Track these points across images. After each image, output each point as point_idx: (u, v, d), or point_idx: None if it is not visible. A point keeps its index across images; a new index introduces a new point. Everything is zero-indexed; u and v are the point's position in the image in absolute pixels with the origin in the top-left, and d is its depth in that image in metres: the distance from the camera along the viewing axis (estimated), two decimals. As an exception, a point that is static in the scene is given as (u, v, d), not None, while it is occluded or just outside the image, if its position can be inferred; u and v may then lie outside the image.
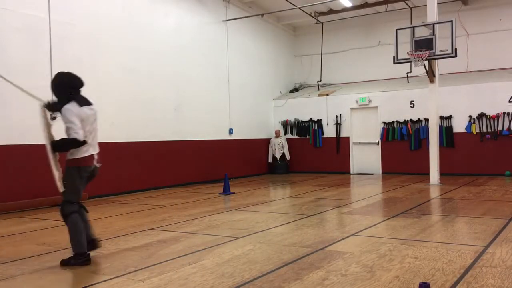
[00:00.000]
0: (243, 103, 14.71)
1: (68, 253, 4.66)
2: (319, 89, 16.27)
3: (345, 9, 15.30)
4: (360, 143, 14.98)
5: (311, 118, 15.61)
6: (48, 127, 4.54)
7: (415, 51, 10.59)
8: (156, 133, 11.45)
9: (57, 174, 4.42)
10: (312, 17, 15.80)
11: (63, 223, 4.60)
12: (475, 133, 13.09)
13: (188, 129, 12.46)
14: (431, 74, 11.03)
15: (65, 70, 4.72)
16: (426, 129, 13.07)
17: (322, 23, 16.42)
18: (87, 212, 4.77)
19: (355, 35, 16.27)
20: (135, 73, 10.86)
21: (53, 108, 4.56)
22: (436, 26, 10.70)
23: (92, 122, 4.58)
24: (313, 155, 15.56)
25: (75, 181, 4.49)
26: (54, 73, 9.16)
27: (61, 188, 4.45)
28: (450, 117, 13.39)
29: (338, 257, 4.44)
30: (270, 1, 14.85)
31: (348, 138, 15.07)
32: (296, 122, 15.88)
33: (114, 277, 4.04)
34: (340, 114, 15.13)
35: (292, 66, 17.46)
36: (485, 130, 12.96)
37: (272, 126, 16.19)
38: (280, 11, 15.20)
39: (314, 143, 15.53)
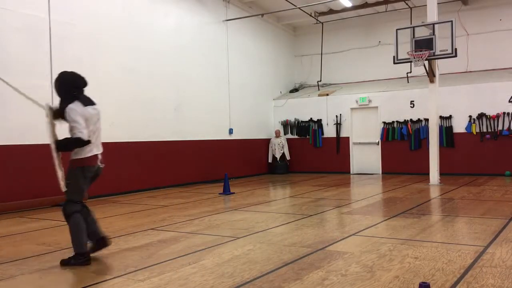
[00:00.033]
0: (243, 103, 14.71)
1: (68, 253, 4.67)
2: (319, 89, 16.27)
3: (345, 9, 15.30)
4: (360, 143, 14.98)
5: (311, 118, 15.61)
6: (52, 126, 4.52)
7: (415, 51, 10.59)
8: (156, 133, 11.45)
9: (60, 173, 4.42)
10: (312, 17, 15.80)
11: (63, 223, 4.61)
12: (475, 133, 13.09)
13: (188, 129, 12.46)
14: (431, 74, 11.03)
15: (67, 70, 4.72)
16: (426, 129, 13.07)
17: (322, 23, 16.42)
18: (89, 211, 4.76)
19: (355, 35, 16.27)
20: (135, 73, 10.86)
21: (58, 114, 4.53)
22: (436, 26, 10.70)
23: (96, 122, 4.58)
24: (313, 155, 15.56)
25: (78, 180, 4.49)
26: (54, 73, 9.18)
27: (63, 188, 4.44)
28: (450, 117, 13.39)
29: (338, 257, 4.44)
30: (270, 1, 14.85)
31: (348, 138, 15.07)
32: (296, 122, 15.88)
33: (114, 277, 4.04)
34: (340, 114, 15.13)
35: (292, 66, 17.46)
36: (485, 130, 12.96)
37: (272, 126, 16.19)
38: (280, 11, 15.20)
39: (314, 143, 15.53)
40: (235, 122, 14.28)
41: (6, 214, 7.91)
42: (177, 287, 3.70)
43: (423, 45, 10.58)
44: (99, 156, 4.64)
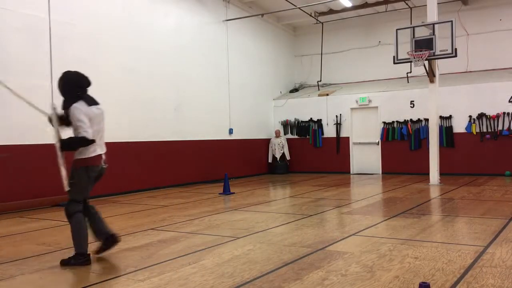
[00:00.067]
0: (243, 103, 14.71)
1: (68, 253, 4.67)
2: (319, 89, 16.27)
3: (345, 9, 15.30)
4: (360, 143, 14.98)
5: (311, 118, 15.61)
6: (57, 125, 4.50)
7: (415, 51, 10.59)
8: (156, 133, 11.45)
9: (64, 172, 4.41)
10: (312, 17, 15.80)
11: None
12: (475, 133, 13.09)
13: (188, 129, 12.46)
14: (431, 74, 11.03)
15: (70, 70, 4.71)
16: (426, 129, 13.07)
17: (322, 23, 16.42)
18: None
19: (355, 35, 16.27)
20: (135, 73, 10.86)
21: (63, 120, 4.52)
22: (436, 26, 10.70)
23: (99, 122, 4.58)
24: (313, 155, 15.56)
25: (82, 180, 4.48)
26: (54, 73, 9.21)
27: (67, 187, 4.43)
28: (450, 117, 13.39)
29: (338, 257, 4.44)
30: (270, 1, 14.85)
31: (348, 138, 15.08)
32: (296, 122, 15.88)
33: (114, 277, 4.04)
34: (340, 114, 15.13)
35: (292, 66, 17.46)
36: (485, 130, 12.96)
37: (272, 126, 16.19)
38: (280, 11, 15.20)
39: (314, 143, 15.53)
40: (235, 122, 14.28)
41: (6, 214, 7.91)
42: (177, 287, 3.70)
43: (423, 45, 10.58)
44: (103, 156, 4.64)
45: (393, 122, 14.28)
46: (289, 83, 17.21)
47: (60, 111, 4.52)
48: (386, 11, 15.23)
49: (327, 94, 15.46)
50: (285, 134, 16.03)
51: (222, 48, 13.84)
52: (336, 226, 6.31)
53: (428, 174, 11.25)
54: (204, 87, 13.05)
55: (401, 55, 11.02)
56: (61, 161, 4.38)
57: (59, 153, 4.38)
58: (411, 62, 10.89)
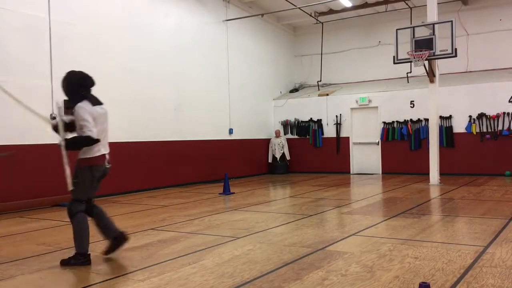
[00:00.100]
0: (243, 103, 14.71)
1: (68, 253, 4.66)
2: (319, 89, 16.27)
3: (345, 9, 15.30)
4: (360, 143, 14.98)
5: (311, 118, 15.61)
6: (62, 124, 4.48)
7: (415, 51, 10.59)
8: (156, 133, 11.45)
9: (68, 172, 4.40)
10: (312, 17, 15.80)
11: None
12: (475, 133, 13.09)
13: (188, 129, 12.46)
14: (431, 74, 11.03)
15: (67, 70, 4.70)
16: (426, 129, 13.07)
17: (322, 23, 16.42)
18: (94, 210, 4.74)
19: (355, 35, 16.27)
20: (135, 73, 10.86)
21: (68, 126, 4.50)
22: (436, 26, 10.70)
23: (103, 121, 4.58)
24: (313, 155, 15.56)
25: (85, 180, 4.48)
26: (54, 73, 9.21)
27: (70, 186, 4.43)
28: (450, 117, 13.39)
29: (338, 257, 4.44)
30: (270, 1, 14.85)
31: (348, 138, 15.07)
32: (296, 122, 15.88)
33: (114, 277, 4.04)
34: (340, 114, 15.13)
35: (292, 66, 17.46)
36: (485, 130, 12.96)
37: (272, 126, 16.19)
38: (280, 11, 15.20)
39: (314, 143, 15.53)
40: (235, 122, 14.28)
41: (6, 214, 7.91)
42: (177, 287, 3.70)
43: (423, 45, 10.58)
44: (107, 156, 4.64)
45: (393, 122, 14.28)
46: (289, 83, 17.21)
47: (65, 117, 4.50)
48: (386, 11, 15.23)
49: (327, 94, 15.46)
50: (285, 134, 16.03)
51: (222, 48, 13.84)
52: (336, 226, 6.31)
53: (428, 174, 11.25)
54: (204, 87, 13.05)
55: (401, 55, 11.02)
56: (65, 160, 4.37)
57: (63, 152, 4.37)
58: (411, 62, 10.89)
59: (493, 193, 9.16)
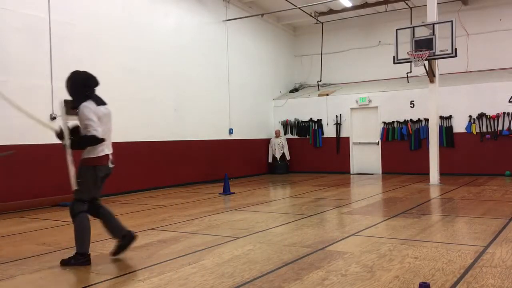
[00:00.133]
0: (243, 103, 14.71)
1: (68, 253, 4.66)
2: (319, 89, 16.27)
3: (345, 9, 15.30)
4: (360, 143, 14.98)
5: (311, 118, 15.61)
6: (66, 124, 4.47)
7: (415, 51, 10.59)
8: (156, 133, 11.45)
9: (73, 171, 4.39)
10: (312, 17, 15.80)
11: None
12: (475, 133, 13.09)
13: (188, 129, 12.46)
14: (431, 74, 11.03)
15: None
16: (426, 129, 13.07)
17: (322, 23, 16.42)
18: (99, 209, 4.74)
19: (355, 35, 16.27)
20: (135, 73, 10.86)
21: (73, 132, 4.50)
22: (436, 26, 10.70)
23: (107, 121, 4.59)
24: (313, 155, 15.56)
25: (89, 180, 4.47)
26: (54, 73, 9.21)
27: (74, 186, 4.42)
28: (450, 117, 13.39)
29: (338, 257, 4.44)
30: (270, 1, 14.85)
31: (348, 138, 15.07)
32: (296, 122, 15.88)
33: (114, 277, 4.04)
34: (340, 114, 15.13)
35: (292, 66, 17.46)
36: (485, 130, 12.96)
37: (272, 126, 16.19)
38: (280, 11, 15.20)
39: (314, 143, 15.53)
40: (235, 122, 14.28)
41: (6, 214, 7.91)
42: (177, 287, 3.70)
43: (423, 45, 10.58)
44: (110, 157, 4.64)
45: (393, 122, 14.28)
46: (289, 83, 17.21)
47: (69, 123, 4.49)
48: (386, 11, 15.23)
49: (327, 94, 15.46)
50: (285, 134, 16.03)
51: (222, 48, 13.84)
52: (336, 226, 6.31)
53: (428, 174, 11.25)
54: (204, 87, 13.05)
55: (401, 55, 11.02)
56: (70, 160, 4.36)
57: (68, 150, 4.36)
58: (411, 62, 10.88)
59: (493, 193, 9.16)
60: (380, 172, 14.46)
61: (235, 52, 14.30)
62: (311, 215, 6.99)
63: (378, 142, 14.56)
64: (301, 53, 17.39)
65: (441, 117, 13.04)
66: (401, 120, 14.11)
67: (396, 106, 14.16)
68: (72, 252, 4.54)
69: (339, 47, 16.47)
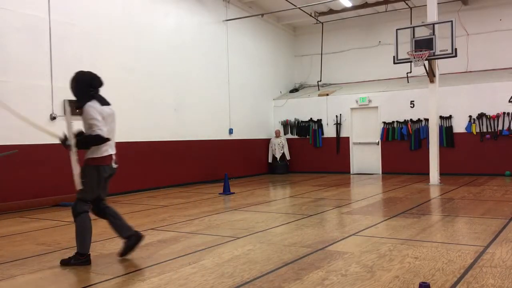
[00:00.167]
0: (243, 103, 14.71)
1: (68, 253, 4.67)
2: (319, 89, 16.27)
3: (345, 9, 15.29)
4: (360, 143, 14.98)
5: (311, 118, 15.61)
6: (70, 124, 4.46)
7: (415, 51, 10.59)
8: (156, 133, 11.45)
9: (77, 171, 4.39)
10: (312, 17, 15.80)
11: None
12: (475, 133, 13.09)
13: (188, 129, 12.45)
14: (431, 74, 11.03)
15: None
16: (426, 129, 13.07)
17: (322, 23, 16.42)
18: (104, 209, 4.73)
19: (355, 35, 16.27)
20: (135, 73, 10.86)
21: (78, 136, 4.50)
22: (436, 26, 10.70)
23: (111, 122, 4.59)
24: (313, 155, 15.56)
25: (92, 180, 4.47)
26: (54, 73, 9.20)
27: (79, 186, 4.42)
28: (450, 117, 13.39)
29: (338, 257, 4.44)
30: (270, 1, 14.85)
31: (348, 138, 15.07)
32: (296, 122, 15.88)
33: (114, 277, 4.04)
34: (340, 114, 15.13)
35: (292, 66, 17.46)
36: (485, 130, 12.96)
37: (272, 126, 16.19)
38: (280, 11, 15.20)
39: (314, 143, 15.53)
40: (235, 122, 14.28)
41: (6, 214, 7.91)
42: (177, 287, 3.70)
43: (423, 45, 10.58)
44: (113, 157, 4.64)
45: (393, 122, 14.28)
46: (289, 83, 17.21)
47: (76, 129, 4.48)
48: (386, 11, 15.23)
49: (327, 94, 15.46)
50: (285, 134, 16.03)
51: (222, 48, 13.84)
52: (336, 226, 6.31)
53: (428, 174, 11.25)
54: (204, 87, 13.05)
55: (401, 55, 11.02)
56: (74, 159, 4.36)
57: (73, 149, 4.35)
58: (411, 62, 10.88)
59: (493, 193, 9.16)
60: (380, 172, 14.46)
61: (235, 52, 14.30)
62: (311, 215, 6.99)
63: (378, 142, 14.56)
64: (301, 53, 17.39)
65: (441, 117, 13.05)
66: (401, 120, 14.11)
67: (396, 106, 14.16)
68: (72, 252, 4.54)
69: (339, 47, 16.47)
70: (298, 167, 15.73)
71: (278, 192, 10.96)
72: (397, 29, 11.26)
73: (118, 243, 5.26)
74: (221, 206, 8.35)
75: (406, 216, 6.70)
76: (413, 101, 13.90)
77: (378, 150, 14.59)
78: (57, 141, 4.49)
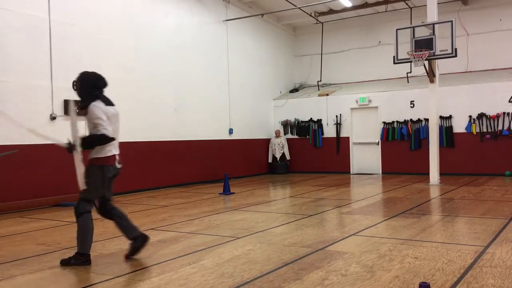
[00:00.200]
0: (243, 103, 14.71)
1: (68, 253, 4.67)
2: (319, 89, 16.27)
3: (345, 9, 15.29)
4: (360, 143, 14.98)
5: (311, 118, 15.61)
6: (75, 123, 4.46)
7: (415, 51, 10.59)
8: (156, 133, 11.45)
9: (81, 171, 4.38)
10: (312, 17, 15.80)
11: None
12: (475, 133, 13.09)
13: (188, 129, 12.45)
14: (431, 74, 11.03)
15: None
16: (426, 129, 13.07)
17: (322, 23, 16.42)
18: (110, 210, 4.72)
19: (355, 35, 16.27)
20: (135, 73, 10.86)
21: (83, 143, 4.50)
22: (436, 26, 10.70)
23: (115, 122, 4.59)
24: (313, 155, 15.56)
25: (97, 180, 4.47)
26: (54, 73, 9.19)
27: (82, 186, 4.42)
28: (450, 117, 13.39)
29: (338, 257, 4.44)
30: (270, 1, 14.85)
31: (348, 138, 15.07)
32: (296, 122, 15.88)
33: (114, 277, 4.04)
34: (340, 114, 15.13)
35: (292, 66, 17.46)
36: (485, 130, 12.96)
37: (272, 126, 16.19)
38: (280, 11, 15.20)
39: (314, 143, 15.53)
40: (235, 122, 14.28)
41: (6, 214, 7.91)
42: (177, 287, 3.70)
43: (423, 45, 10.58)
44: (117, 157, 4.64)
45: (393, 122, 14.28)
46: (289, 83, 17.21)
47: (81, 133, 4.48)
48: (386, 11, 15.23)
49: (327, 94, 15.46)
50: (285, 134, 16.03)
51: (222, 48, 13.84)
52: (336, 226, 6.31)
53: (428, 174, 11.25)
54: (204, 87, 13.05)
55: (401, 55, 11.02)
56: (78, 159, 4.35)
57: (78, 149, 4.35)
58: (411, 62, 10.88)
59: (493, 193, 9.16)
60: (380, 172, 14.46)
61: (235, 52, 14.30)
62: (311, 215, 6.99)
63: (378, 142, 14.56)
64: (301, 53, 17.39)
65: (441, 117, 13.05)
66: (401, 120, 14.11)
67: (396, 106, 14.16)
68: (72, 252, 4.54)
69: (339, 47, 16.47)
70: (298, 167, 15.73)
71: (278, 192, 10.96)
72: (397, 29, 11.26)
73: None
74: (221, 206, 8.35)
75: (406, 216, 6.70)
76: (413, 101, 13.90)
77: (378, 150, 14.59)
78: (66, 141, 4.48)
